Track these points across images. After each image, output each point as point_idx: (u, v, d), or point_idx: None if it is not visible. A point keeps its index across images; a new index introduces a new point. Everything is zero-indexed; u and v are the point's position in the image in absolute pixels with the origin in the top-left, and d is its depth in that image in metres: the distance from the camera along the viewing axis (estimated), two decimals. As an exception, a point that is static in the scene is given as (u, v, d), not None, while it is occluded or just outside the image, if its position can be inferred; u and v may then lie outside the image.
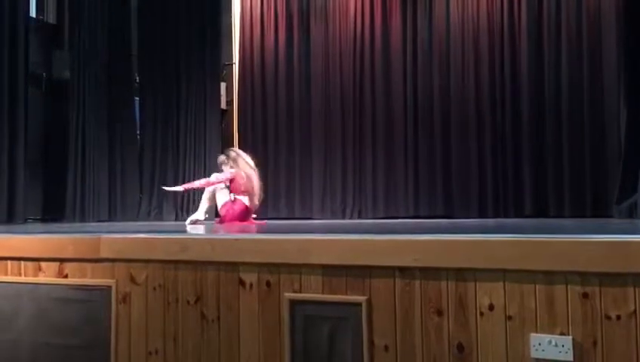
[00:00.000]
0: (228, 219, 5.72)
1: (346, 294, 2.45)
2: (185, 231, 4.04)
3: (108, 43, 7.84)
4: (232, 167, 5.83)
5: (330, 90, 7.96)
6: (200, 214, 5.94)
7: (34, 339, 2.97)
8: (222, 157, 6.07)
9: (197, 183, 6.14)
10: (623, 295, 2.07)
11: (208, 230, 4.47)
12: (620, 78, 6.22)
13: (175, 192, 6.70)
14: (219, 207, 5.87)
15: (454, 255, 2.29)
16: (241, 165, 5.86)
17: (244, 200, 5.77)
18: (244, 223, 5.67)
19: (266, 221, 6.28)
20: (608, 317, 2.08)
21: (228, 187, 5.81)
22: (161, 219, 7.65)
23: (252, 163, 5.96)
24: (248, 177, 5.81)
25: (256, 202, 5.91)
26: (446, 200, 7.28)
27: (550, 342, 2.14)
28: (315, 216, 7.80)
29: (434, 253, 2.32)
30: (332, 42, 8.00)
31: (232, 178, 5.78)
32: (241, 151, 6.18)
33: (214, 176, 5.94)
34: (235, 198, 5.78)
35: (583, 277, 2.12)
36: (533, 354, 2.16)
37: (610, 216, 6.01)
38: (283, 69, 8.18)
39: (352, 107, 7.85)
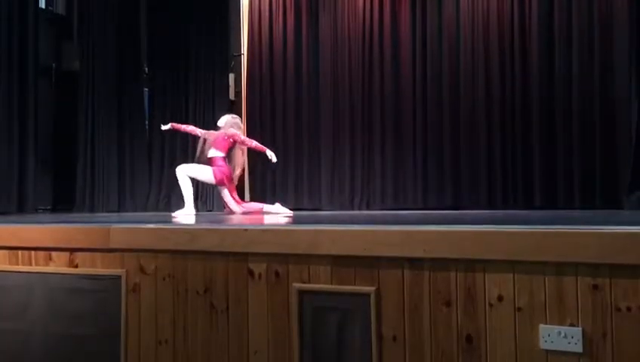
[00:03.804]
0: (219, 177, 5.79)
1: (355, 285, 2.46)
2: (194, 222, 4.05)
3: (117, 34, 7.85)
4: (237, 129, 5.89)
5: (339, 81, 7.93)
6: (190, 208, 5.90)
7: (45, 328, 3.00)
8: (232, 117, 6.06)
9: (183, 127, 6.21)
10: (634, 286, 2.06)
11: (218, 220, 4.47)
12: (632, 68, 6.15)
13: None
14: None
15: (463, 246, 2.28)
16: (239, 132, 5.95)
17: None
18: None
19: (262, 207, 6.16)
20: (618, 309, 2.08)
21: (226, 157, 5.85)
22: (169, 210, 7.67)
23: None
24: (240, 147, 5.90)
25: (237, 172, 5.97)
26: (454, 192, 7.25)
27: (560, 333, 2.13)
28: (324, 206, 7.79)
29: (443, 244, 2.32)
30: (340, 33, 7.96)
31: (233, 137, 5.81)
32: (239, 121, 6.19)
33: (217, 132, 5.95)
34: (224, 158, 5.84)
35: (593, 268, 2.11)
36: (543, 346, 2.16)
37: (621, 208, 5.98)
38: (291, 59, 8.16)
39: (360, 98, 7.82)
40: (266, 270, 2.61)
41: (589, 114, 6.68)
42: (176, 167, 7.83)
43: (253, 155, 7.06)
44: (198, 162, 5.93)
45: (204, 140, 5.92)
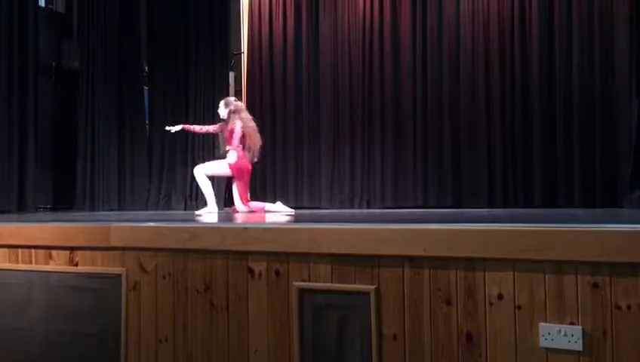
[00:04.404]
0: (235, 168, 5.82)
1: (355, 283, 2.46)
2: (194, 220, 4.05)
3: (117, 32, 7.84)
4: (237, 119, 5.89)
5: (339, 80, 7.93)
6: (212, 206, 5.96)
7: (45, 327, 3.00)
8: (227, 105, 6.04)
9: (197, 128, 6.32)
10: (634, 285, 2.06)
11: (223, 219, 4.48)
12: (632, 67, 6.16)
13: (183, 175, 6.73)
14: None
15: (464, 244, 2.29)
16: (245, 118, 5.95)
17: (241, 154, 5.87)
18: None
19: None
20: (618, 307, 2.08)
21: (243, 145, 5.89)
22: (169, 208, 7.68)
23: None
24: (253, 131, 5.92)
25: (255, 158, 6.04)
26: (455, 190, 7.25)
27: (560, 331, 2.13)
28: (324, 205, 7.80)
29: (443, 242, 2.32)
30: (340, 33, 7.96)
31: (239, 130, 5.83)
32: (240, 104, 6.19)
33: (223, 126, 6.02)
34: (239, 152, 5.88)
35: (594, 267, 2.11)
36: (543, 344, 2.16)
37: (621, 206, 5.98)
38: (291, 59, 8.16)
39: (360, 96, 7.82)
40: (266, 268, 2.61)
41: (589, 114, 6.68)
42: (176, 166, 7.89)
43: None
44: (219, 156, 6.06)
45: (219, 135, 6.07)
